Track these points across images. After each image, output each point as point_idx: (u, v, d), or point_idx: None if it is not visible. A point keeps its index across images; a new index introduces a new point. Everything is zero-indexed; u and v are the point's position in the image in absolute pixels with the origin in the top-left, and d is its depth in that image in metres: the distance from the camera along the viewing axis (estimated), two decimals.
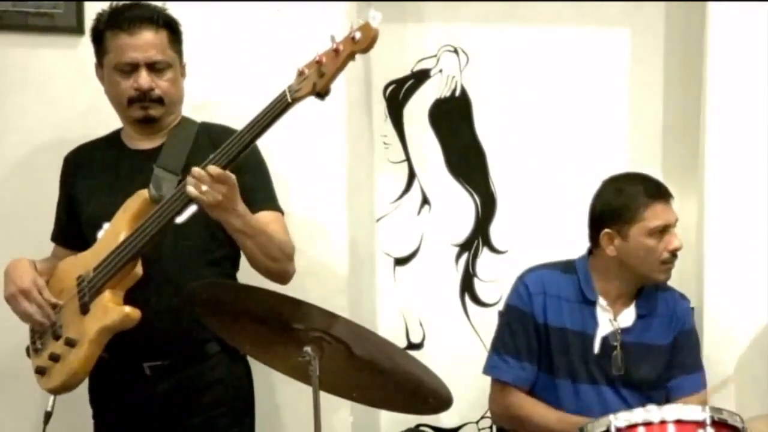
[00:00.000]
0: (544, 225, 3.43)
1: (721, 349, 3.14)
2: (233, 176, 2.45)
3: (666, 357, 2.87)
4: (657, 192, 2.81)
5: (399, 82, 3.46)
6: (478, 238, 3.50)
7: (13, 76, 3.12)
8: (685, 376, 2.87)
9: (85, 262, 2.61)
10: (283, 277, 2.70)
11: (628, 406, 2.72)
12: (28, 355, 2.71)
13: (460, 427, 3.51)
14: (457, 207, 3.49)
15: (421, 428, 3.44)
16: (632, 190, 2.80)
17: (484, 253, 3.49)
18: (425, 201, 3.50)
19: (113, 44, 2.63)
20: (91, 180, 2.75)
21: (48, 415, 2.61)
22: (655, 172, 3.11)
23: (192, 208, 2.48)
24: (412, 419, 3.36)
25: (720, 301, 3.14)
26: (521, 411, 2.87)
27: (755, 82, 3.10)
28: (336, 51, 2.37)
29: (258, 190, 2.69)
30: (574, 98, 3.41)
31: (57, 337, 2.60)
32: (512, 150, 3.45)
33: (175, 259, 2.64)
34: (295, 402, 3.01)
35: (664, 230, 2.79)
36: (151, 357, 2.65)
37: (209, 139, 2.68)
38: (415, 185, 3.49)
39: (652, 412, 2.38)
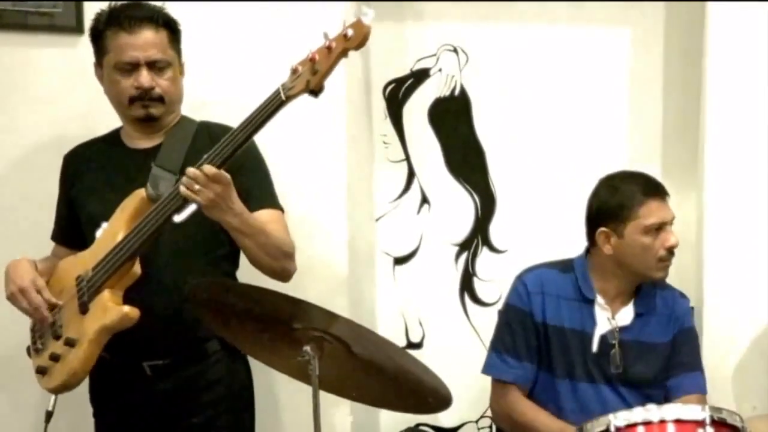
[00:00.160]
0: (544, 224, 3.42)
1: (720, 348, 3.13)
2: (228, 175, 2.45)
3: (665, 355, 2.86)
4: (652, 189, 2.81)
5: (398, 82, 3.46)
6: (478, 237, 3.49)
7: (12, 75, 3.12)
8: (685, 374, 2.86)
9: (84, 261, 2.61)
10: (284, 276, 2.70)
11: (627, 404, 2.73)
12: (29, 355, 2.71)
13: (459, 427, 3.51)
14: (457, 206, 3.49)
15: (421, 428, 3.43)
16: (627, 188, 2.80)
17: (484, 253, 3.49)
18: (425, 200, 3.50)
19: (113, 43, 2.63)
20: (90, 179, 2.75)
21: (49, 414, 2.61)
22: (655, 172, 3.11)
23: (191, 208, 2.47)
24: (412, 419, 3.36)
25: (720, 301, 3.14)
26: (524, 417, 2.87)
27: (755, 81, 3.09)
28: (329, 48, 2.37)
29: (256, 188, 2.69)
30: (574, 98, 3.41)
31: (57, 337, 2.60)
32: (512, 149, 3.44)
33: (174, 258, 2.64)
34: (295, 401, 3.01)
35: (660, 228, 2.78)
36: (151, 356, 2.66)
37: (208, 138, 2.67)
38: (415, 184, 3.49)
39: (651, 412, 2.38)
